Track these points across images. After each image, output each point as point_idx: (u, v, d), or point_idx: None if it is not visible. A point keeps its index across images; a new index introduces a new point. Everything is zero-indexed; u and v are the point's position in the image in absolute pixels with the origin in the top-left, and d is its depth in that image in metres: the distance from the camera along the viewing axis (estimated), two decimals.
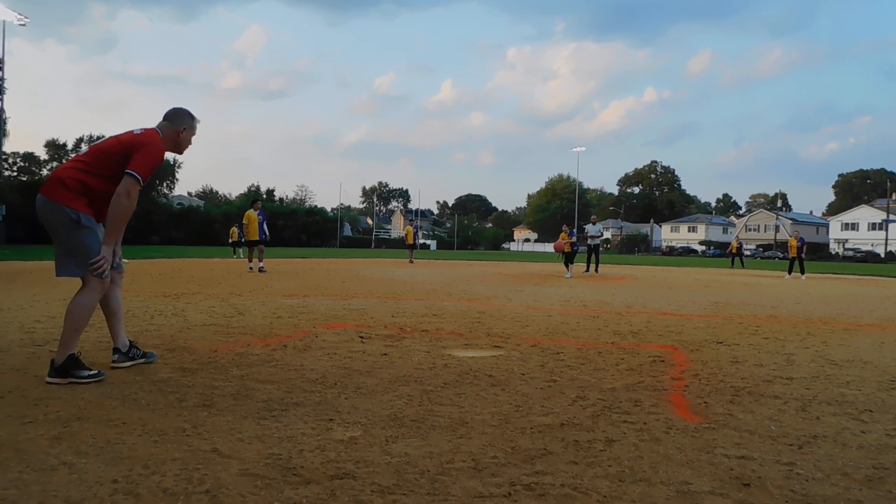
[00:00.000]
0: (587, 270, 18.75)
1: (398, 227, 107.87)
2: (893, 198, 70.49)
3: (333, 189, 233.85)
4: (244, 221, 15.46)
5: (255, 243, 14.96)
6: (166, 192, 62.45)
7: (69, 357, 3.45)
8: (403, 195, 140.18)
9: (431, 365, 4.21)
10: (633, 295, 10.92)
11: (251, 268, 14.43)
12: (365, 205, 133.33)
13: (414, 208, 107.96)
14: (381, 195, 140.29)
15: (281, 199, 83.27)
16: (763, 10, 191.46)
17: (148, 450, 2.43)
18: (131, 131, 3.66)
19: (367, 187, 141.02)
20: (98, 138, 54.55)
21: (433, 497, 2.06)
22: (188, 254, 27.80)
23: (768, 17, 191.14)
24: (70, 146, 55.09)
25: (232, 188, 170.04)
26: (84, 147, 54.80)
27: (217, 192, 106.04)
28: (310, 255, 30.81)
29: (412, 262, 24.14)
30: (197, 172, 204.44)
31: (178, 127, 3.77)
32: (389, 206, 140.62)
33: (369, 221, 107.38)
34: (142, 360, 3.95)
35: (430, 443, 2.61)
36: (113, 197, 3.42)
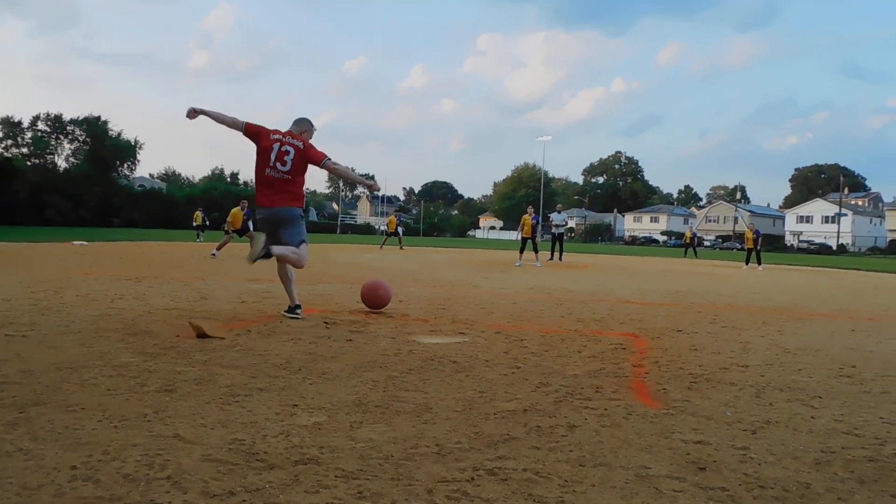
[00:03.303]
0: (551, 258, 18.96)
1: (364, 213, 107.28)
2: (846, 192, 72.64)
3: None
4: (228, 219, 15.89)
5: (240, 232, 15.65)
6: (127, 173, 60.74)
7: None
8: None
9: (396, 351, 4.22)
10: (597, 283, 11.08)
11: (214, 254, 14.42)
12: (331, 190, 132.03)
13: (380, 194, 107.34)
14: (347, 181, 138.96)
15: (245, 183, 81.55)
16: (732, 3, 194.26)
17: (108, 435, 2.39)
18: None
19: None
20: (56, 116, 52.88)
21: (397, 482, 2.08)
22: (150, 237, 27.22)
23: (737, 11, 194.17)
24: (26, 124, 53.00)
25: (195, 171, 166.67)
26: (40, 125, 53.00)
27: (180, 175, 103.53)
28: None
29: (402, 248, 25.06)
30: (159, 154, 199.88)
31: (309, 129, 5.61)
32: (355, 192, 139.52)
33: (335, 207, 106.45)
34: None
35: (394, 428, 2.62)
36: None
